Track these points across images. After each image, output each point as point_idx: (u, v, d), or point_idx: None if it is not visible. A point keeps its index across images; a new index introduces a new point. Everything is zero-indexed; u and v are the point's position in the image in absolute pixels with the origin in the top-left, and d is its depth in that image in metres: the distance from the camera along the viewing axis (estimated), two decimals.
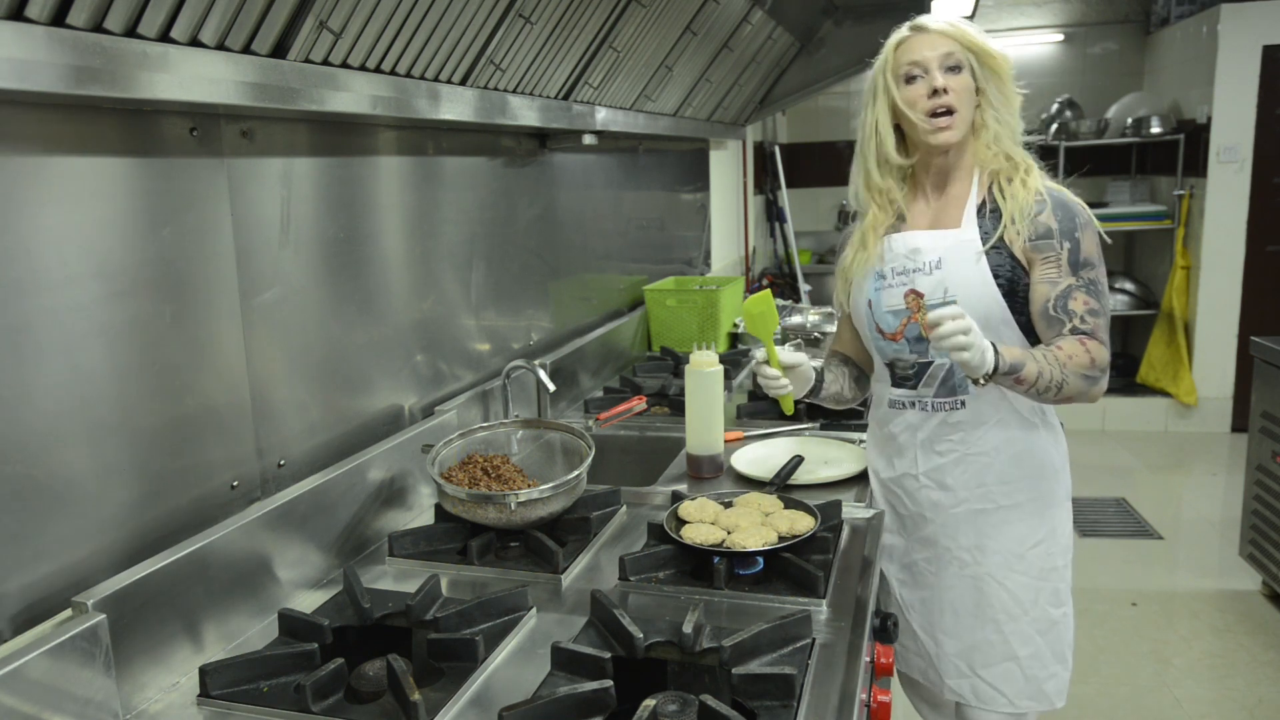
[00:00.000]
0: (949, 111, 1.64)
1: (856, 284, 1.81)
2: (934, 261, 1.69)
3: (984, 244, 1.66)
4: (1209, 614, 3.52)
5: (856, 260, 1.81)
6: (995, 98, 1.67)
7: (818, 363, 1.91)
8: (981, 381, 1.54)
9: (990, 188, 1.70)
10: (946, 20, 1.67)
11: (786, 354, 1.83)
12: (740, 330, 3.43)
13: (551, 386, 2.15)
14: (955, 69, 1.65)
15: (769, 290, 1.88)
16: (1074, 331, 1.61)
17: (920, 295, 1.70)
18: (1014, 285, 1.66)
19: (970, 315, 1.55)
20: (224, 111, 1.38)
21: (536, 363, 2.23)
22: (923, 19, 1.69)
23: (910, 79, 1.66)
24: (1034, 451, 1.75)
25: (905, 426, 1.81)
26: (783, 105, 4.26)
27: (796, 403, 1.90)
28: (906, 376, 1.77)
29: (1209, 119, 5.32)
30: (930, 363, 1.74)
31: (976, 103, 1.67)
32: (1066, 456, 1.83)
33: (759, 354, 1.83)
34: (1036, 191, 1.66)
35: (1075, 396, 1.59)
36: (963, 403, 1.74)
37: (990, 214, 1.69)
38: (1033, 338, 1.70)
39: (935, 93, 1.64)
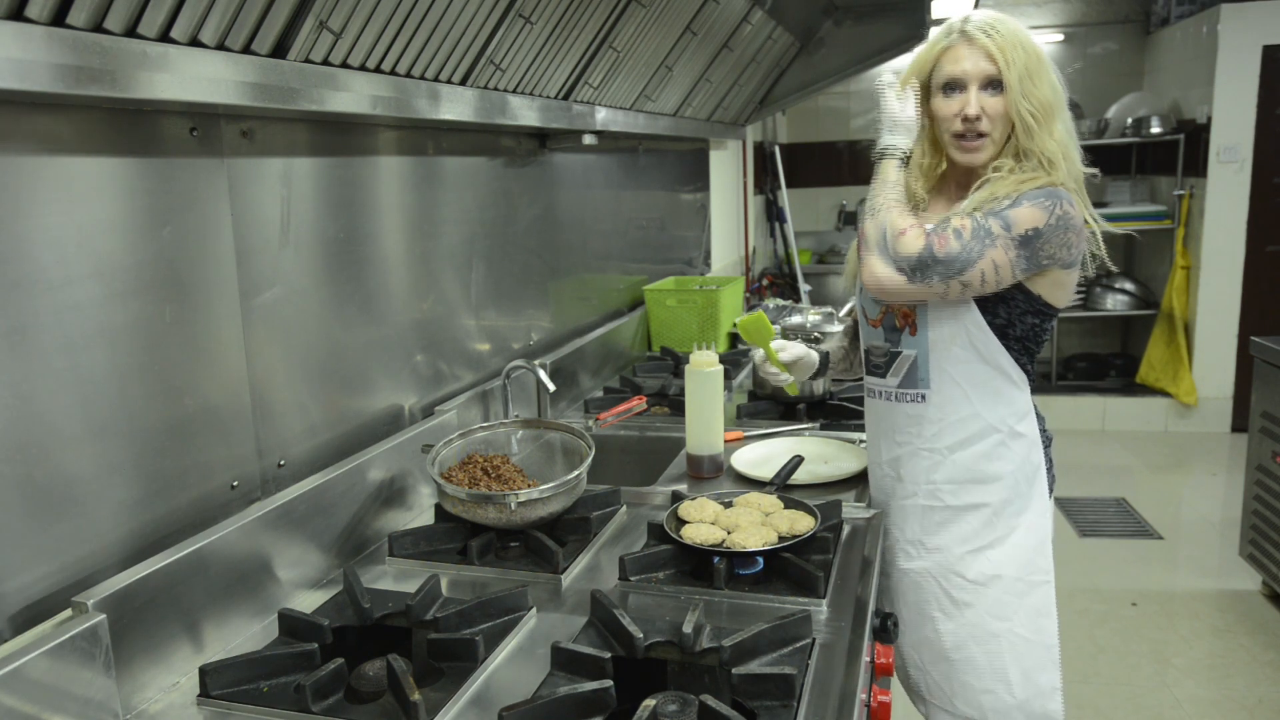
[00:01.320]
0: (979, 134, 1.62)
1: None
2: None
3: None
4: (1209, 614, 3.51)
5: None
6: (1031, 121, 1.59)
7: (829, 345, 2.03)
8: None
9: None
10: (998, 32, 1.59)
11: (787, 350, 1.91)
12: (737, 331, 3.43)
13: (551, 386, 2.15)
14: (995, 88, 1.60)
15: (762, 312, 1.92)
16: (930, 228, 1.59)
17: None
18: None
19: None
20: (224, 111, 1.38)
21: (536, 363, 2.23)
22: (972, 25, 1.61)
23: (948, 91, 1.63)
24: (991, 458, 1.70)
25: (875, 415, 1.83)
26: (783, 105, 4.25)
27: (804, 400, 1.98)
28: (877, 365, 1.78)
29: (1209, 119, 5.32)
30: (899, 352, 1.73)
31: (1011, 121, 1.61)
32: (1038, 469, 1.74)
33: (759, 354, 1.88)
34: (1029, 187, 1.58)
35: (862, 244, 1.63)
36: (923, 396, 1.72)
37: None
38: (1016, 352, 1.67)
39: (968, 119, 1.60)
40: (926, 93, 1.68)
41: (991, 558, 1.73)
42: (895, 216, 1.59)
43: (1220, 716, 2.88)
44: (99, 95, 1.04)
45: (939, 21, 1.74)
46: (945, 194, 1.77)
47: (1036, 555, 1.74)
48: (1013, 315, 1.65)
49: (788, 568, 1.50)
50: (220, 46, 1.19)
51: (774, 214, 6.16)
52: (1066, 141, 1.62)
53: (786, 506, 1.69)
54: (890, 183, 1.64)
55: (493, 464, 1.76)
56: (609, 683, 1.16)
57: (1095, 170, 1.68)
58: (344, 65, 1.43)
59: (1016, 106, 1.59)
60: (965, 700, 1.76)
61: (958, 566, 1.74)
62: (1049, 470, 1.77)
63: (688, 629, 1.26)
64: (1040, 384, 1.78)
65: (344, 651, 1.29)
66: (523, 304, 2.44)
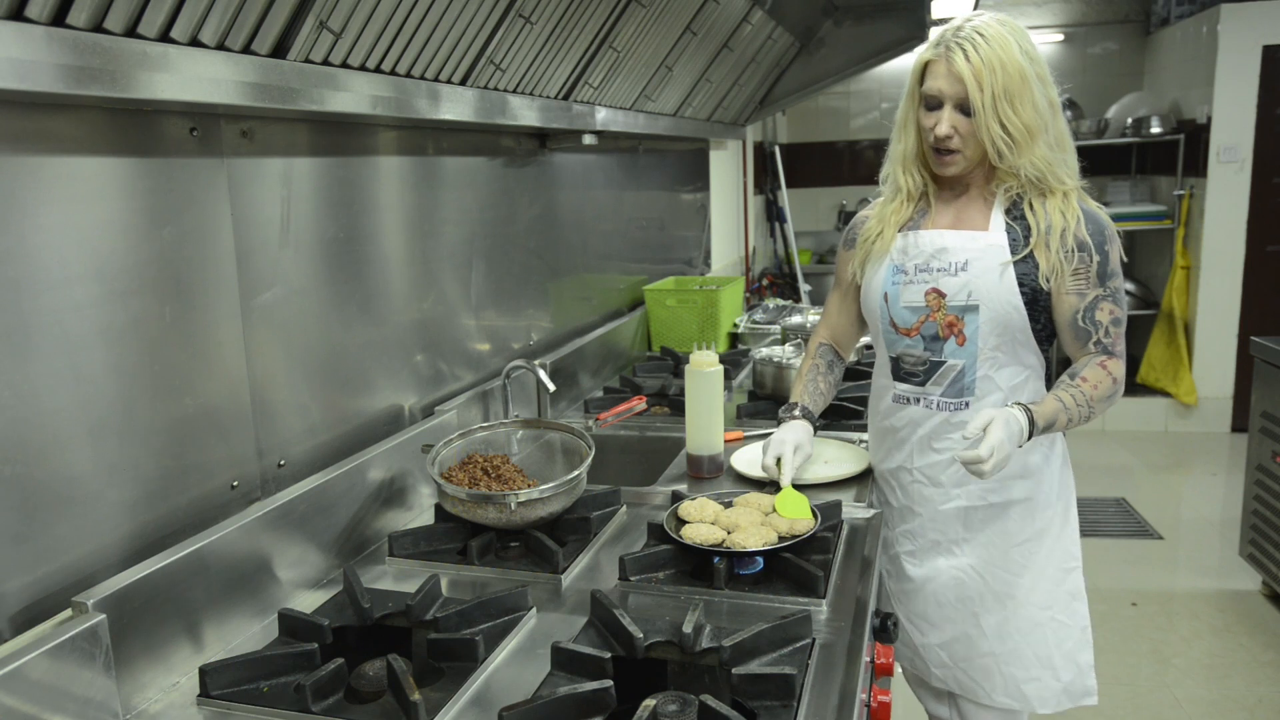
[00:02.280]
0: (951, 150, 1.64)
1: (869, 274, 1.81)
2: (960, 263, 1.69)
3: (1013, 253, 1.67)
4: (1209, 614, 3.52)
5: (873, 249, 1.80)
6: (1003, 145, 1.60)
7: (803, 395, 1.94)
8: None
9: (1019, 200, 1.69)
10: (978, 53, 1.57)
11: (798, 461, 1.81)
12: (740, 330, 3.43)
13: (551, 386, 2.15)
14: (968, 113, 1.60)
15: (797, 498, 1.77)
16: (1098, 345, 1.68)
17: (943, 295, 1.71)
18: (1036, 295, 1.67)
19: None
20: (224, 111, 1.38)
21: (536, 363, 2.23)
22: (956, 41, 1.59)
23: (929, 105, 1.65)
24: (1029, 452, 1.75)
25: (907, 421, 1.81)
26: (783, 105, 4.25)
27: None
28: (914, 373, 1.78)
29: (1209, 119, 5.32)
30: (942, 362, 1.74)
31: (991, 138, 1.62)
32: (1066, 459, 1.84)
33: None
34: (1076, 215, 1.66)
35: (1103, 414, 1.69)
36: (967, 403, 1.74)
37: (1018, 221, 1.68)
38: (1045, 345, 1.74)
39: (938, 138, 1.63)
40: (915, 103, 1.70)
41: (1033, 549, 1.77)
42: (1099, 390, 1.65)
43: (1220, 716, 2.88)
44: (99, 95, 1.04)
45: (939, 22, 1.72)
46: (943, 194, 1.78)
47: (1070, 543, 1.81)
48: (1049, 321, 1.72)
49: (788, 568, 1.50)
50: (220, 46, 1.19)
51: (774, 214, 6.16)
52: (1051, 159, 1.64)
53: None
54: (1066, 401, 1.64)
55: (493, 464, 1.76)
56: (609, 683, 1.16)
57: (1086, 182, 1.72)
58: (344, 65, 1.43)
59: (986, 131, 1.60)
60: (1006, 691, 1.79)
61: (1001, 560, 1.78)
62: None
63: (688, 629, 1.26)
64: None
65: (344, 651, 1.29)
66: (523, 304, 2.44)
